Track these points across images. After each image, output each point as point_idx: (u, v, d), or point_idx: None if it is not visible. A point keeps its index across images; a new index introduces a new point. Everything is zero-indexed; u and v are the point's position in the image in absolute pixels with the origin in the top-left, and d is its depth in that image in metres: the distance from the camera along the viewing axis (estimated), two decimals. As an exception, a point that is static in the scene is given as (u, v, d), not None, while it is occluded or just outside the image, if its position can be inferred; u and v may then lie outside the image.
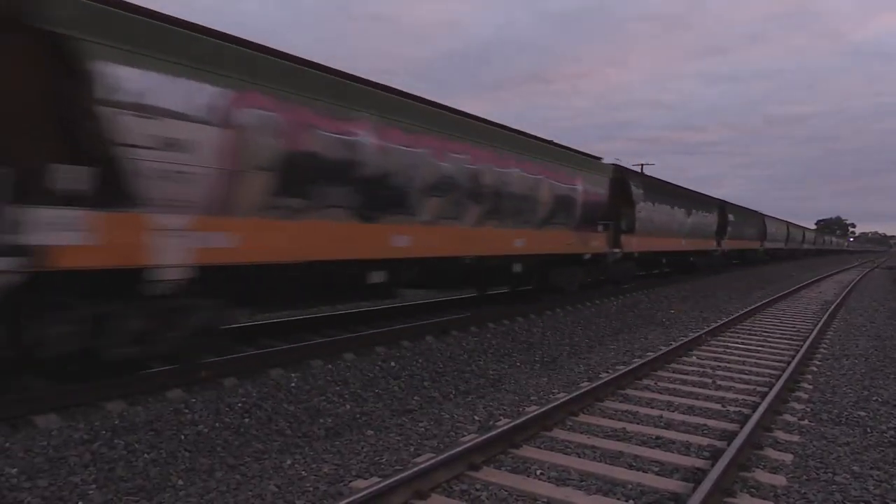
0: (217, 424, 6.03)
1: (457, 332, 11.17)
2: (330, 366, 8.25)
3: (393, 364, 8.57)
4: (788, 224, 58.89)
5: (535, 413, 6.01)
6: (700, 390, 7.80)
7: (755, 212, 43.02)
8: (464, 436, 5.97)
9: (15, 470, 4.79)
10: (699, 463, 5.32)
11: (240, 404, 6.53)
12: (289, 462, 5.33)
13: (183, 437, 5.69)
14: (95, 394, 6.45)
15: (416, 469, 4.55)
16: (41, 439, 5.32)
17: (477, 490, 4.70)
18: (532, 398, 7.38)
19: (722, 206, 32.02)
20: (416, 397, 7.44)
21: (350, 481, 4.86)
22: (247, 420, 6.21)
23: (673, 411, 6.91)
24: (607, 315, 14.46)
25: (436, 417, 6.64)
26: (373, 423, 6.48)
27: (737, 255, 38.71)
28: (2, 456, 5.00)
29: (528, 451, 5.51)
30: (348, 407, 6.89)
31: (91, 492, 4.65)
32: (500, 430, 5.47)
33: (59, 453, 5.11)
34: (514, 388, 7.90)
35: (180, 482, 4.94)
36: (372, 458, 5.37)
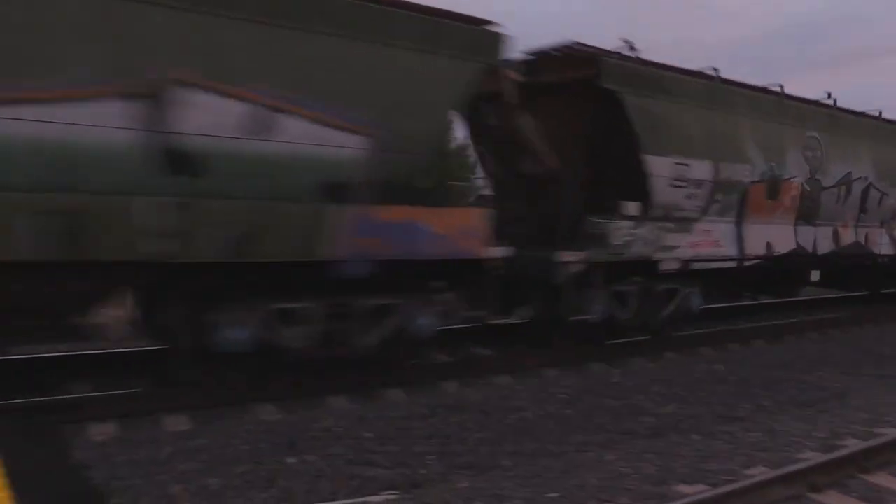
0: (540, 412, 6.26)
1: (791, 338, 10.21)
2: (652, 364, 8.09)
3: (719, 367, 8.12)
4: None
5: (893, 437, 5.24)
6: None
7: None
8: (802, 452, 5.43)
9: (370, 435, 5.49)
10: None
11: (562, 395, 6.71)
12: (610, 457, 5.33)
13: (509, 420, 6.01)
14: (434, 373, 7.12)
15: (748, 482, 4.27)
16: (390, 410, 6.01)
17: (819, 514, 4.25)
18: (887, 418, 6.44)
19: None
20: (745, 404, 6.95)
21: (674, 485, 4.71)
22: (568, 411, 6.36)
23: None
24: None
25: (768, 428, 6.13)
26: (697, 428, 6.20)
27: None
28: (361, 422, 5.76)
29: (882, 479, 4.82)
30: (671, 408, 6.68)
31: (430, 461, 5.13)
32: (848, 451, 4.88)
33: (405, 424, 5.73)
34: (864, 405, 6.97)
35: (508, 463, 5.22)
36: (696, 464, 5.13)
